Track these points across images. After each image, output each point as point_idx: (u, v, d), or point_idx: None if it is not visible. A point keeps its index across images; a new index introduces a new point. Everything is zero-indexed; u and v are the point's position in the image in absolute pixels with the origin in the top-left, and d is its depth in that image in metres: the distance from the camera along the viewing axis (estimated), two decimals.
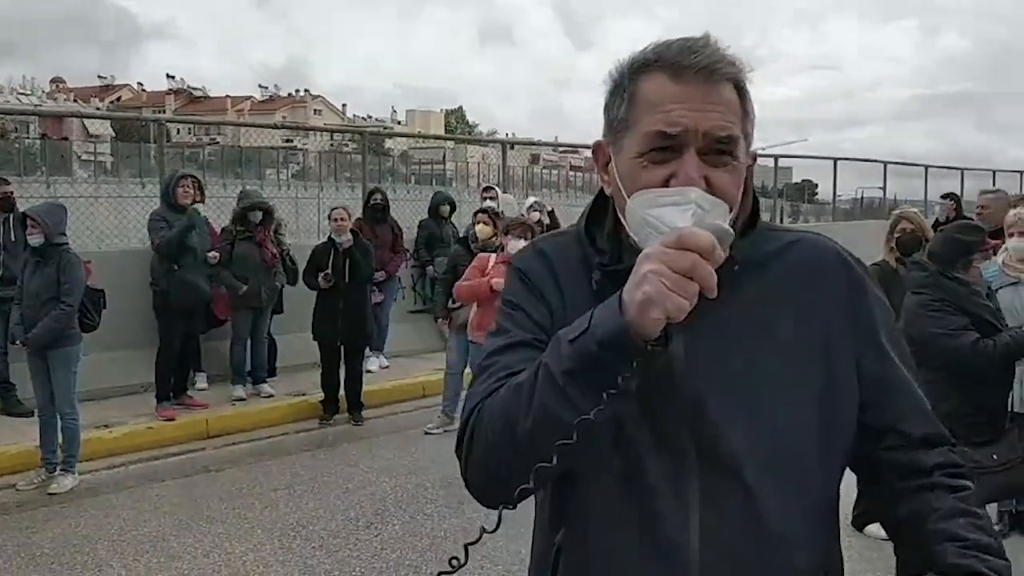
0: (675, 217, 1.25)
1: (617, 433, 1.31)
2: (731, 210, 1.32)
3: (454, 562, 1.13)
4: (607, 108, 1.41)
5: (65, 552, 5.26)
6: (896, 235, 5.54)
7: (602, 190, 1.49)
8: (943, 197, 10.83)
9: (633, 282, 1.18)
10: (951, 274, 3.93)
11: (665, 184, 1.30)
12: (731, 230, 1.22)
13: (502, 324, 1.46)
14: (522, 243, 6.41)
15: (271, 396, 8.55)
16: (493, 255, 7.18)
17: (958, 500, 1.38)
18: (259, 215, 8.52)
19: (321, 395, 8.30)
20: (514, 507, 1.21)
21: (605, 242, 1.45)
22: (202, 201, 8.49)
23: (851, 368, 1.42)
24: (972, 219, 7.43)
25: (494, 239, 7.67)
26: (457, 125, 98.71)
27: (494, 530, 1.17)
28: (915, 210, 6.96)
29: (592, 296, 1.36)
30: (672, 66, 1.32)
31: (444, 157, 48.18)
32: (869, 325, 1.45)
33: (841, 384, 1.41)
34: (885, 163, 21.44)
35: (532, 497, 1.36)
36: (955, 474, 1.42)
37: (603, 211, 1.48)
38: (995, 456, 3.80)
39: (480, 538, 1.14)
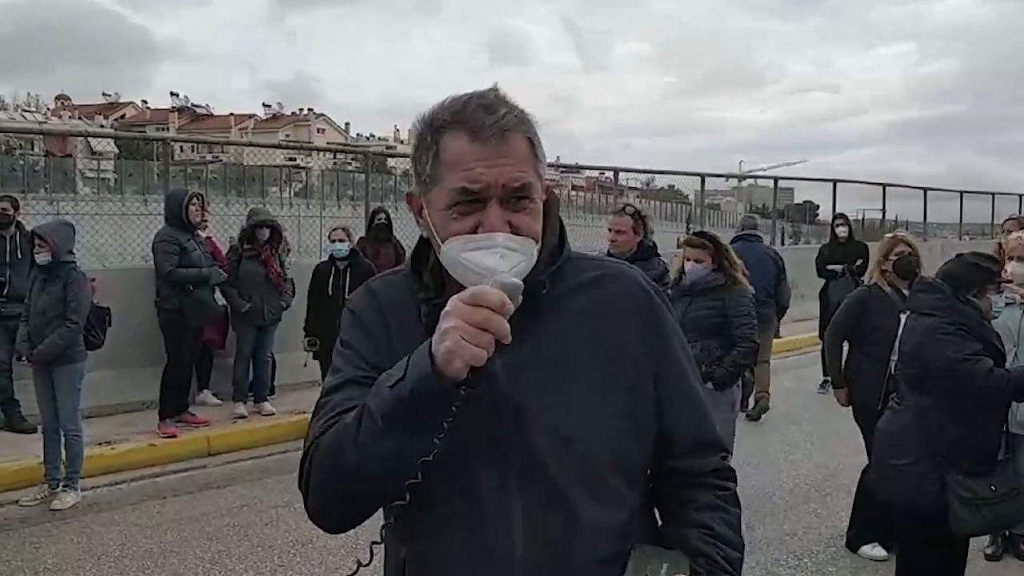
0: (485, 259, 1.43)
1: (449, 450, 1.41)
2: (536, 242, 1.51)
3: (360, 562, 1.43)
4: (415, 162, 1.57)
5: (68, 568, 5.29)
6: (893, 258, 5.53)
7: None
8: (836, 218, 11.51)
9: (437, 336, 1.33)
10: (964, 297, 3.91)
11: (473, 231, 1.47)
12: (520, 283, 1.38)
13: (335, 363, 1.62)
14: None
15: (272, 414, 8.58)
16: None
17: (716, 498, 1.63)
18: (267, 233, 8.57)
19: None
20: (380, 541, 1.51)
21: (429, 277, 1.61)
22: (205, 220, 8.57)
23: (649, 384, 1.61)
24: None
25: None
26: None
27: (367, 563, 1.47)
28: (910, 233, 6.98)
29: (422, 328, 1.51)
30: (469, 127, 1.48)
31: None
32: (664, 343, 1.66)
33: (641, 401, 1.60)
34: (884, 185, 21.48)
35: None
36: (724, 477, 1.67)
37: (427, 250, 1.63)
38: (993, 487, 3.80)
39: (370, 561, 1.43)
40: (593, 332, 1.58)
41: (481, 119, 1.48)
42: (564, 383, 1.53)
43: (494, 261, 1.42)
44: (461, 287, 1.43)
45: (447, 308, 1.35)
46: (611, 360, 1.57)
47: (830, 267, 10.16)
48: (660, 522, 1.68)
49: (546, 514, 1.50)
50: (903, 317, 4.66)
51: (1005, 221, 7.36)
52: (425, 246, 1.63)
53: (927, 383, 3.89)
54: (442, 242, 1.51)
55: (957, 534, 3.83)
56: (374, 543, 1.43)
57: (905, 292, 5.19)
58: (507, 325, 1.32)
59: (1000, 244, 6.88)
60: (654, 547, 1.56)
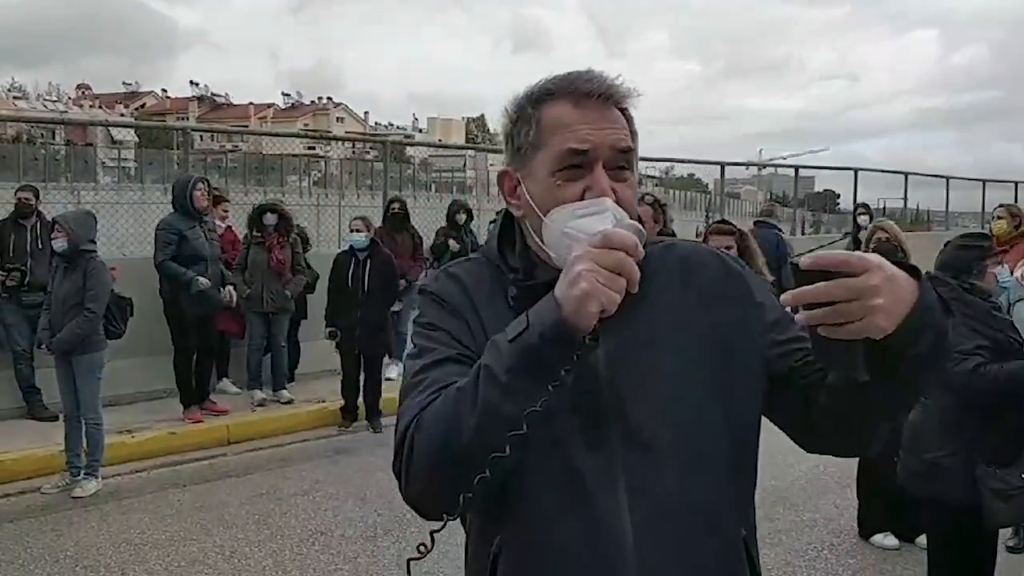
0: (595, 226, 1.36)
1: (549, 432, 1.37)
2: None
3: (422, 548, 1.24)
4: (511, 137, 1.54)
5: (88, 555, 5.34)
6: (872, 245, 5.52)
7: (507, 215, 1.61)
8: (858, 207, 11.57)
9: (567, 281, 1.28)
10: (968, 283, 3.86)
11: (580, 198, 1.43)
12: (642, 228, 1.35)
13: (424, 345, 1.52)
14: None
15: (291, 402, 8.62)
16: None
17: None
18: (273, 218, 8.53)
19: (341, 402, 8.37)
20: (460, 510, 1.31)
21: (517, 260, 1.55)
22: (214, 206, 8.51)
23: (746, 344, 1.52)
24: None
25: None
26: (478, 133, 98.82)
27: (439, 529, 1.28)
28: (891, 221, 6.91)
29: (509, 311, 1.45)
30: (572, 94, 1.47)
31: (464, 165, 48.23)
32: (748, 296, 1.57)
33: (739, 364, 1.51)
34: (906, 174, 21.31)
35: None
36: None
37: (510, 234, 1.60)
38: (1023, 475, 3.77)
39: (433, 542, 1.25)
40: (680, 305, 1.52)
41: (586, 86, 1.47)
42: (655, 358, 1.47)
43: (606, 227, 1.35)
44: (551, 269, 1.40)
45: (575, 254, 1.30)
46: (701, 330, 1.50)
47: None
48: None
49: (651, 494, 1.43)
50: None
51: (995, 208, 7.26)
52: (508, 231, 1.60)
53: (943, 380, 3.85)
54: (544, 215, 1.46)
55: (989, 526, 3.80)
56: (433, 532, 1.28)
57: None
58: (639, 271, 1.29)
59: (991, 230, 6.82)
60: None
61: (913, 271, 1.31)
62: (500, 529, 1.49)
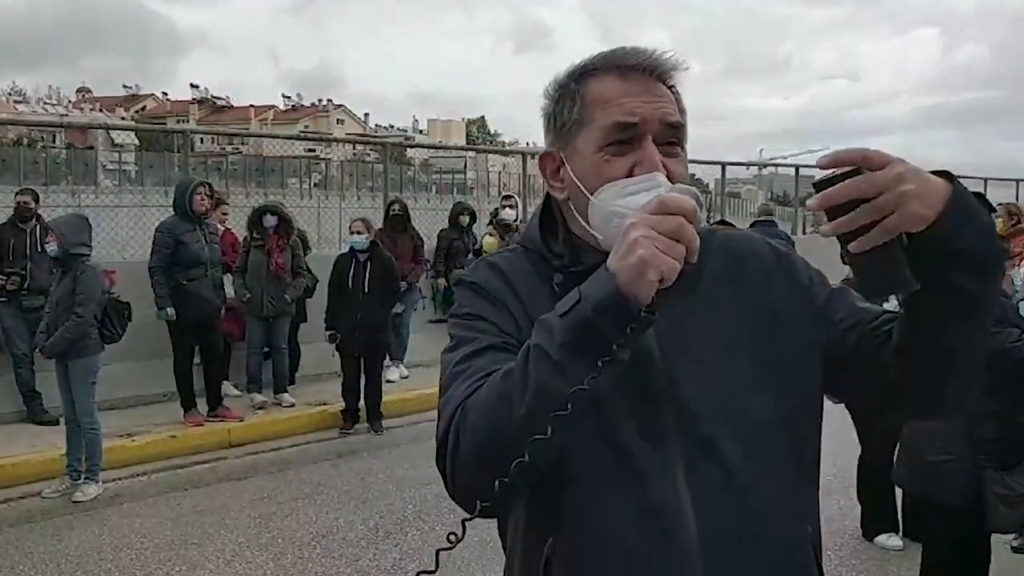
0: (647, 202, 1.27)
1: (600, 418, 1.31)
2: None
3: (452, 538, 1.13)
4: (553, 116, 1.46)
5: (89, 560, 5.32)
6: None
7: (547, 202, 1.54)
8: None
9: (622, 250, 1.20)
10: None
11: (629, 174, 1.35)
12: (698, 192, 1.25)
13: (464, 335, 1.43)
14: None
15: (292, 405, 8.60)
16: None
17: None
18: (273, 220, 8.49)
19: (342, 405, 8.35)
20: (514, 489, 1.19)
21: (561, 246, 1.48)
22: (214, 209, 8.48)
23: (800, 327, 1.44)
24: None
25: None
26: (479, 134, 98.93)
27: (471, 518, 1.18)
28: None
29: (554, 299, 1.35)
30: (618, 67, 1.40)
31: (465, 166, 48.25)
32: (798, 279, 1.50)
33: (793, 345, 1.43)
34: None
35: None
36: None
37: (551, 221, 1.52)
38: None
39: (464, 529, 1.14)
40: (732, 288, 1.45)
41: (632, 59, 1.40)
42: (707, 340, 1.40)
43: None
44: (598, 254, 1.31)
45: (630, 222, 1.21)
46: (755, 317, 1.44)
47: None
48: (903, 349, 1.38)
49: (716, 487, 1.35)
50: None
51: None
52: (548, 218, 1.52)
53: None
54: (591, 194, 1.38)
55: (993, 531, 3.79)
56: (466, 520, 1.15)
57: None
58: (698, 238, 1.20)
59: None
60: None
61: (941, 172, 1.24)
62: (553, 530, 1.40)
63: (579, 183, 1.40)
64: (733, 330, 1.42)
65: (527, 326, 1.35)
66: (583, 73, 1.43)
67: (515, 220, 10.02)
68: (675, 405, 1.37)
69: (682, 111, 1.43)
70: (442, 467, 1.33)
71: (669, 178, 1.34)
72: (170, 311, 7.70)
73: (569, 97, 1.43)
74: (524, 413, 1.22)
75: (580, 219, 1.43)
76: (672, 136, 1.39)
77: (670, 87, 1.43)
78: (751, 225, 8.63)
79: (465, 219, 10.97)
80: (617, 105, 1.38)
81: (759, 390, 1.40)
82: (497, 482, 1.17)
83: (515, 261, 1.52)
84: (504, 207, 10.48)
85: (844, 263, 1.30)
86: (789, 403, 1.42)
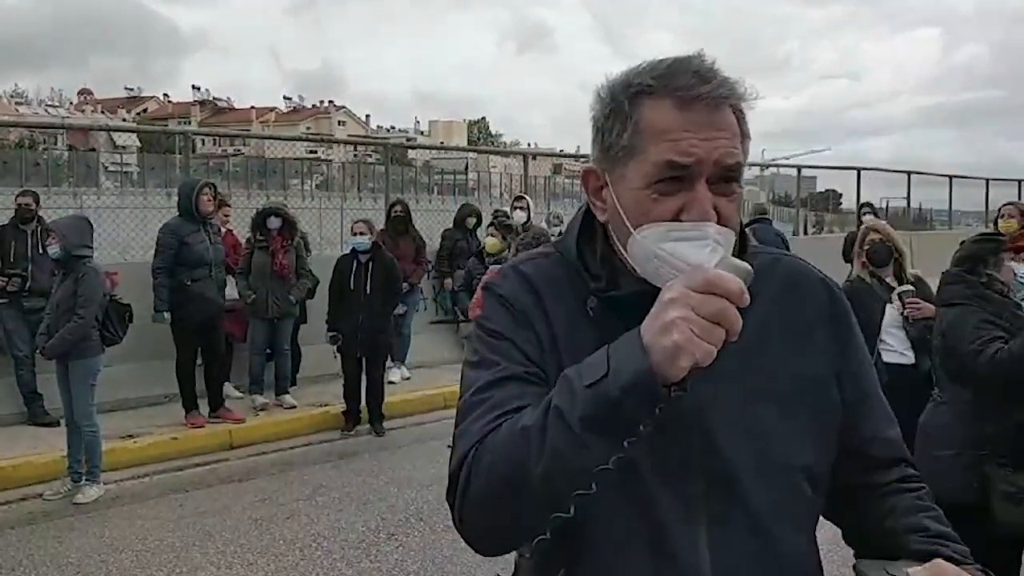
0: (692, 253, 1.23)
1: (626, 472, 1.25)
2: (735, 235, 1.32)
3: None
4: (602, 132, 1.35)
5: (91, 562, 5.31)
6: (866, 247, 5.47)
7: (587, 211, 1.45)
8: (863, 207, 11.48)
9: (658, 327, 1.13)
10: (986, 273, 3.84)
11: (676, 217, 1.27)
12: (751, 269, 1.17)
13: (487, 356, 1.37)
14: None
15: (294, 407, 8.59)
16: None
17: (915, 498, 1.45)
18: (277, 222, 8.49)
19: (343, 406, 8.34)
20: (530, 556, 1.22)
21: (598, 266, 1.40)
22: (219, 209, 8.48)
23: (833, 384, 1.42)
24: None
25: (506, 252, 7.63)
26: (480, 135, 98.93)
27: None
28: (883, 222, 6.86)
29: (589, 324, 1.33)
30: (678, 94, 1.28)
31: (466, 167, 48.28)
32: (852, 345, 1.47)
33: (829, 408, 1.42)
34: (909, 173, 21.27)
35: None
36: (917, 479, 1.49)
37: (590, 231, 1.44)
38: None
39: None
40: (774, 336, 1.38)
41: (693, 85, 1.27)
42: (747, 395, 1.34)
43: (704, 256, 1.21)
44: (637, 280, 1.28)
45: (670, 295, 1.14)
46: (800, 357, 1.39)
47: None
48: (851, 531, 1.52)
49: (735, 542, 1.32)
50: (888, 307, 5.02)
51: (1001, 207, 7.10)
52: (588, 228, 1.44)
53: (962, 375, 3.82)
54: (634, 228, 1.30)
55: (1001, 531, 3.75)
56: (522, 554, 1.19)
57: (887, 281, 5.27)
58: (741, 320, 1.12)
59: (996, 227, 6.76)
60: (876, 560, 1.38)
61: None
62: (565, 560, 1.36)
63: (623, 214, 1.32)
64: (774, 382, 1.37)
65: (552, 350, 1.34)
66: (638, 92, 1.31)
67: (525, 222, 9.98)
68: (706, 458, 1.33)
69: (745, 136, 1.33)
70: (451, 500, 1.31)
71: (720, 221, 1.27)
72: (166, 315, 7.70)
73: (620, 118, 1.32)
74: (540, 481, 1.19)
75: (620, 244, 1.37)
76: (728, 174, 1.30)
77: (738, 109, 1.33)
78: (747, 225, 8.60)
79: (472, 221, 10.94)
80: (672, 141, 1.27)
81: (792, 449, 1.37)
82: (536, 540, 1.21)
83: (548, 269, 1.44)
84: (515, 208, 10.44)
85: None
86: (817, 466, 1.40)
